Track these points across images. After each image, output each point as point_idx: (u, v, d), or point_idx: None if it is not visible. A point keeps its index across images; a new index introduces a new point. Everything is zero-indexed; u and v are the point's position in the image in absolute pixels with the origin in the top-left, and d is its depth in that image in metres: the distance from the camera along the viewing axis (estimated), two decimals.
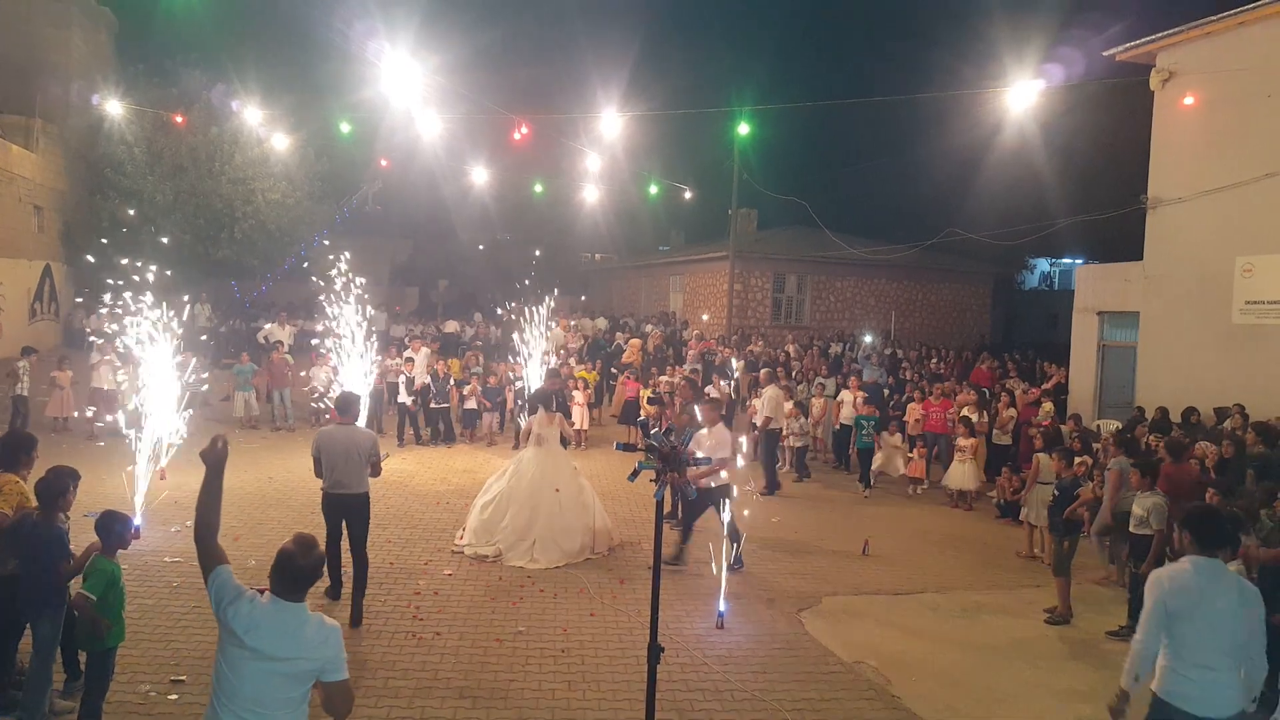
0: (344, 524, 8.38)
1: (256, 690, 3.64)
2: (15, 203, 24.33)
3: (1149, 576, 5.14)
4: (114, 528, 5.79)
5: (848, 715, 6.86)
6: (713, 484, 9.51)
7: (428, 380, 16.76)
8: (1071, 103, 21.10)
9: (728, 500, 9.22)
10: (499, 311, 27.79)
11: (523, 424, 13.66)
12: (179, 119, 24.45)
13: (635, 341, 23.18)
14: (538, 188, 31.87)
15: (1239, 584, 4.77)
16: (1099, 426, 15.75)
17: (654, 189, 29.77)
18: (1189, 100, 15.90)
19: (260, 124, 24.56)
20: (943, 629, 8.77)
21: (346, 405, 8.56)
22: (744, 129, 21.61)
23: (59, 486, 5.95)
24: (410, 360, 17.32)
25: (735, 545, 9.60)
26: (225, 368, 19.57)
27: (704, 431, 9.85)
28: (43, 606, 5.77)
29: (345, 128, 22.15)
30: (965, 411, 14.11)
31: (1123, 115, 21.97)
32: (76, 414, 15.80)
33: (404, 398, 16.66)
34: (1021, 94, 15.40)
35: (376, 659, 7.35)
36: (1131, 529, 9.22)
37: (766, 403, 14.35)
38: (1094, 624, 9.11)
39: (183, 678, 6.75)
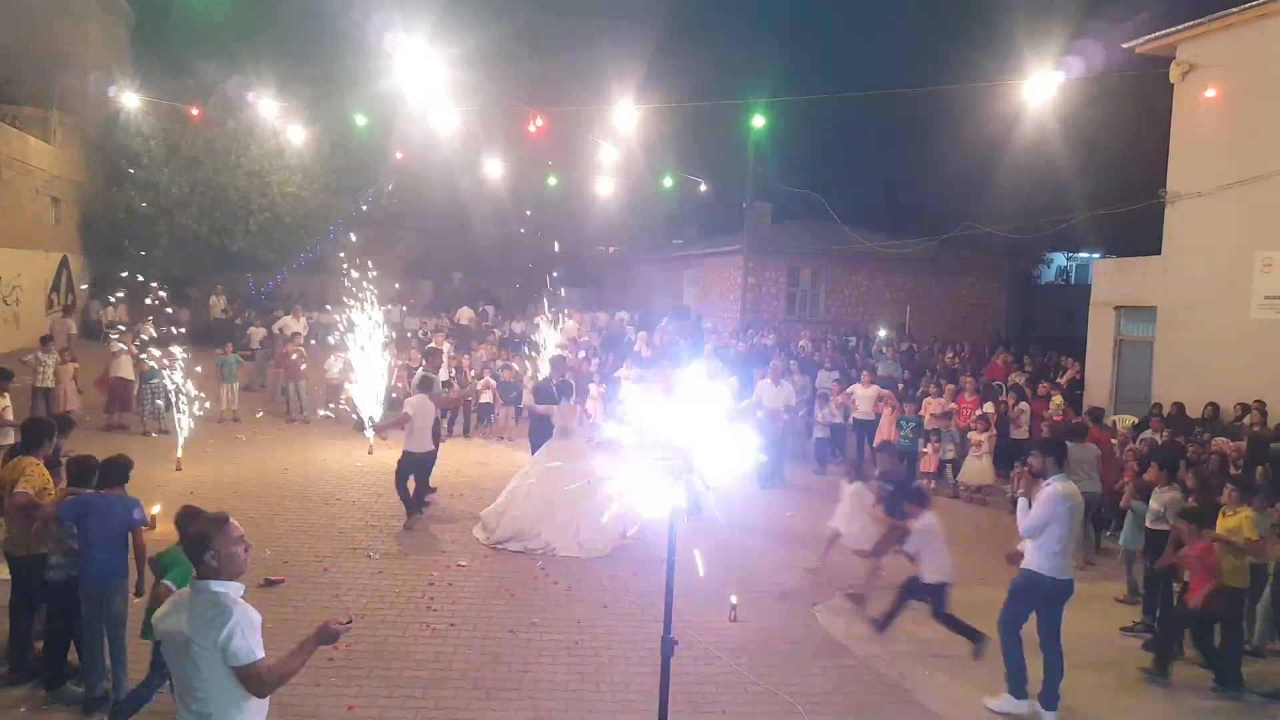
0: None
1: (182, 676, 3.71)
2: (33, 194, 24.52)
3: (1052, 491, 6.81)
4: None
5: (860, 708, 6.85)
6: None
7: (452, 375, 16.83)
8: (1090, 95, 20.89)
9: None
10: (500, 304, 27.85)
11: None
12: (195, 111, 24.55)
13: (643, 334, 23.19)
14: (551, 180, 31.86)
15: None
16: (1115, 421, 15.64)
17: (668, 182, 29.69)
18: (1209, 93, 15.71)
19: (276, 116, 24.64)
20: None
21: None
22: (759, 121, 21.50)
23: (102, 465, 6.35)
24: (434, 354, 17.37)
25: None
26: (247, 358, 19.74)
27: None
28: (120, 580, 6.11)
29: (360, 120, 22.19)
30: (985, 407, 14.03)
31: (1142, 108, 21.72)
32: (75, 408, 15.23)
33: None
34: (1040, 87, 15.26)
35: (391, 649, 7.39)
36: (1149, 524, 9.17)
37: (760, 391, 14.43)
38: (1108, 620, 9.09)
39: None
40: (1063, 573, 6.88)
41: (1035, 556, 6.94)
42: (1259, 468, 10.54)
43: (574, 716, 6.36)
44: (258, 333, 22.23)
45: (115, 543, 6.16)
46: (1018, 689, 6.98)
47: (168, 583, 5.83)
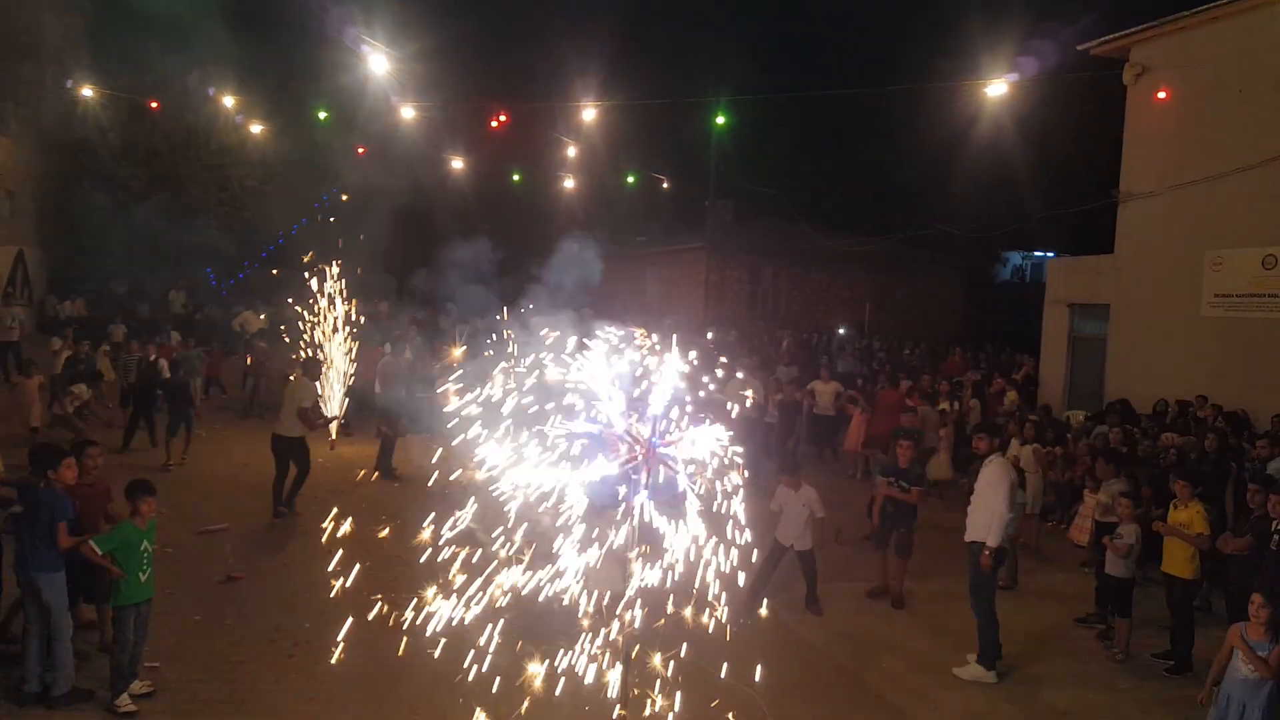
0: None
1: None
2: None
3: (996, 464, 7.72)
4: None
5: (814, 698, 6.98)
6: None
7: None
8: (1044, 96, 21.27)
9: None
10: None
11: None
12: (153, 104, 24.14)
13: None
14: (515, 177, 31.75)
15: None
16: (1068, 417, 15.99)
17: (631, 178, 29.74)
18: (1161, 95, 16.09)
19: (236, 111, 24.31)
20: (915, 615, 8.92)
21: None
22: (720, 120, 21.64)
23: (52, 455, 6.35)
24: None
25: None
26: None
27: None
28: (39, 568, 6.05)
29: (322, 115, 21.99)
30: (940, 404, 14.26)
31: (1095, 109, 22.19)
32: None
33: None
34: (994, 87, 15.52)
35: (353, 646, 7.37)
36: (1098, 518, 9.42)
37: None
38: (1061, 612, 9.32)
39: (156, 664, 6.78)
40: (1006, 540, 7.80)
41: (986, 527, 7.57)
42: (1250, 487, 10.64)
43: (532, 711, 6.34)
44: (118, 330, 20.66)
45: (46, 536, 6.08)
46: (989, 659, 7.50)
47: (91, 542, 6.08)
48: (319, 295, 14.61)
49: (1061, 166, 24.86)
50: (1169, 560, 8.04)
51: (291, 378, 11.51)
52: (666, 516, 4.67)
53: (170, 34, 27.22)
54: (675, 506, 4.70)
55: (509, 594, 4.80)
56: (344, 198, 28.69)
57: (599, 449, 4.72)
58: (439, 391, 16.13)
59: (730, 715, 6.14)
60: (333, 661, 6.94)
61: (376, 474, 13.08)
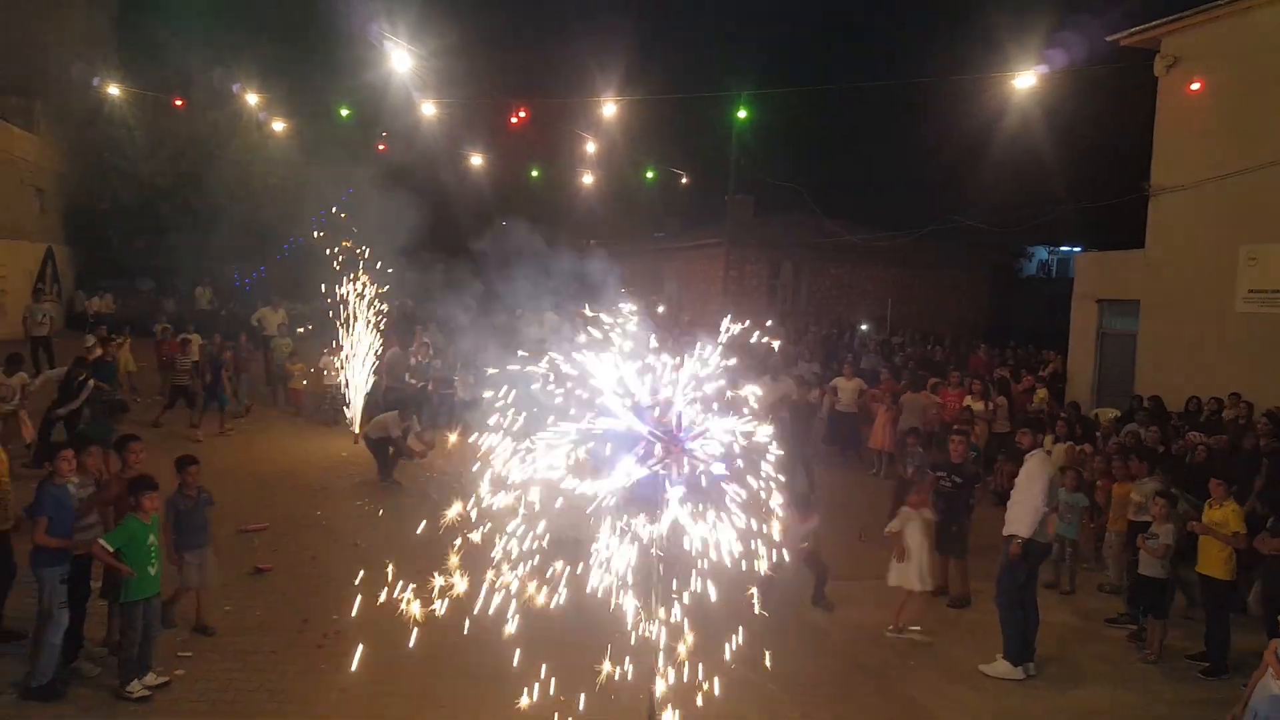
0: None
1: None
2: (17, 185, 24.26)
3: (1036, 459, 7.80)
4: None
5: (841, 695, 6.93)
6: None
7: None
8: (1073, 88, 20.96)
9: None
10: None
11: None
12: (178, 102, 24.33)
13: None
14: (534, 173, 31.74)
15: None
16: (1097, 415, 15.77)
17: (650, 174, 29.64)
18: (1194, 86, 15.77)
19: (259, 108, 24.44)
20: (945, 614, 8.83)
21: None
22: (742, 114, 21.52)
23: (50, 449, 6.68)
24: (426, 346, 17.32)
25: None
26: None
27: None
28: (35, 562, 6.12)
29: (344, 111, 22.07)
30: (968, 401, 14.10)
31: (1125, 101, 21.87)
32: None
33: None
34: (1022, 79, 15.33)
35: (380, 638, 7.38)
36: (1131, 517, 9.28)
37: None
38: (1091, 612, 9.20)
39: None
40: (1044, 535, 7.74)
41: (1025, 523, 7.55)
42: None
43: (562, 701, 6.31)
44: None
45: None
46: (1016, 655, 7.44)
47: (101, 541, 6.10)
48: (346, 292, 14.71)
49: (1089, 160, 24.54)
50: (1204, 560, 7.92)
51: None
52: (698, 510, 4.63)
53: (195, 32, 27.44)
54: (706, 500, 4.66)
55: (544, 589, 4.78)
56: (381, 147, 28.69)
57: (627, 449, 4.68)
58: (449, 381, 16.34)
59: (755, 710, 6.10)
60: (361, 652, 7.00)
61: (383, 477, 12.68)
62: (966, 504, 9.20)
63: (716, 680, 6.81)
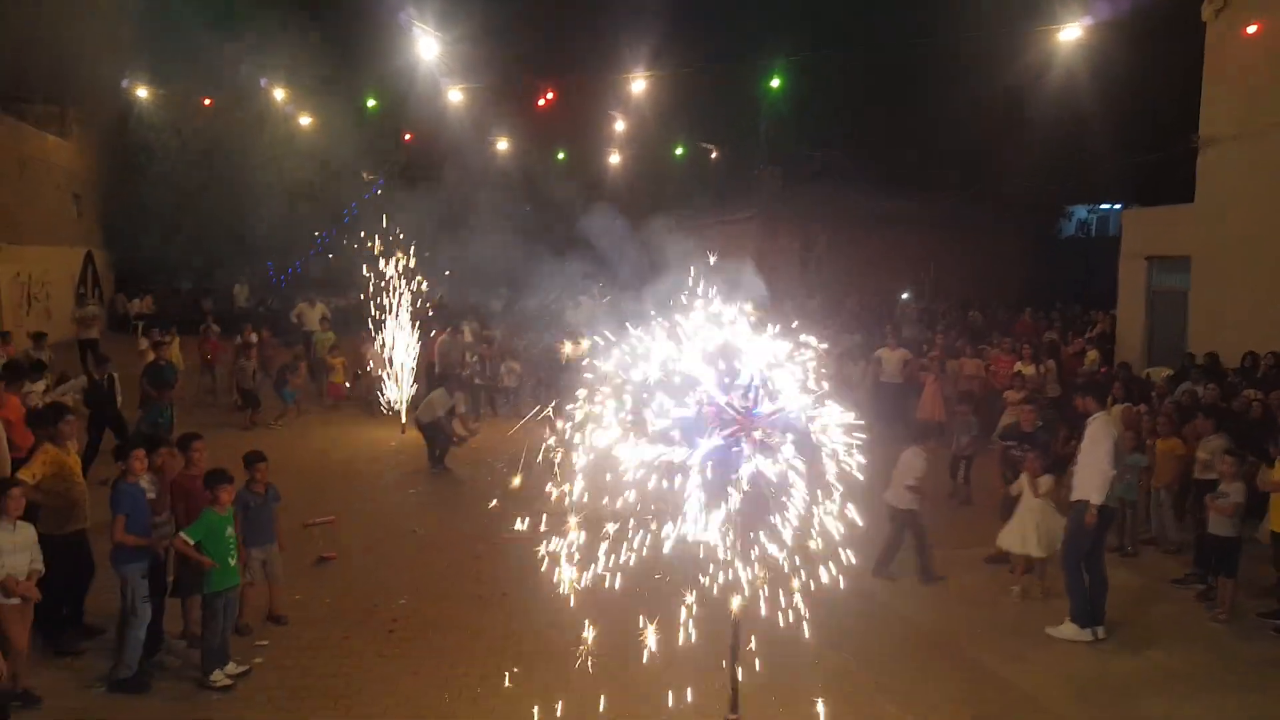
0: None
1: None
2: (54, 190, 24.65)
3: (1099, 422, 7.61)
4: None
5: (911, 664, 6.89)
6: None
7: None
8: (1113, 41, 20.42)
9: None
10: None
11: None
12: (206, 101, 24.52)
13: None
14: (560, 155, 31.62)
15: None
16: (1149, 375, 15.46)
17: (680, 150, 29.39)
18: (1250, 30, 15.19)
19: (285, 103, 24.58)
20: (1006, 581, 8.72)
21: None
22: (775, 82, 21.21)
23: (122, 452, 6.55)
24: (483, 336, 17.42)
25: None
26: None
27: None
28: (115, 560, 6.23)
29: (371, 103, 22.11)
30: (1018, 366, 13.88)
31: (1165, 52, 21.26)
32: None
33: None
34: (1060, 32, 14.92)
35: (447, 621, 7.46)
36: (1197, 475, 9.11)
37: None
38: (1156, 572, 9.07)
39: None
40: (1110, 499, 7.59)
41: (1090, 486, 7.44)
42: None
43: (636, 686, 6.30)
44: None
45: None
46: (1082, 617, 7.41)
47: (183, 534, 6.23)
48: (383, 283, 14.78)
49: (1128, 113, 23.90)
50: (1277, 517, 7.75)
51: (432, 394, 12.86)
52: (773, 486, 4.58)
53: (220, 29, 27.60)
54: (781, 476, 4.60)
55: (620, 567, 4.77)
56: (407, 137, 28.86)
57: (699, 429, 4.62)
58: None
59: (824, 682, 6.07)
60: (433, 637, 7.09)
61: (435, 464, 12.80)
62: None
63: (782, 650, 6.84)
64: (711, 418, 4.58)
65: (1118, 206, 39.19)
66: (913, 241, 30.21)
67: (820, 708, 5.56)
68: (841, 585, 4.81)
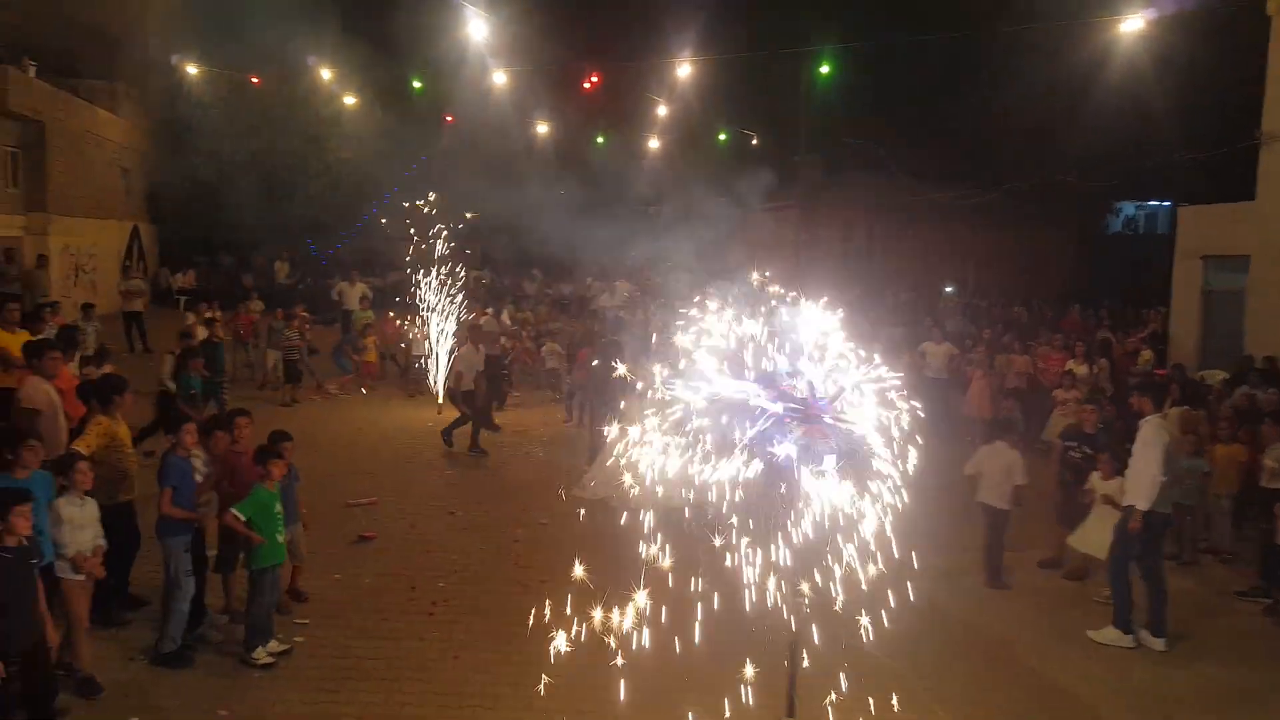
0: None
1: None
2: (105, 165, 24.95)
3: (1151, 425, 7.27)
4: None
5: (964, 671, 6.71)
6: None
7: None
8: (1174, 32, 19.85)
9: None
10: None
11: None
12: (255, 79, 24.61)
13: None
14: (599, 139, 31.42)
15: None
16: (1203, 377, 15.03)
17: (722, 136, 29.07)
18: None
19: (331, 82, 24.62)
20: (1064, 585, 8.49)
21: None
22: (825, 69, 20.88)
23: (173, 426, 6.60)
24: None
25: None
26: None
27: None
28: (160, 532, 6.24)
29: (416, 84, 22.07)
30: (1070, 364, 13.53)
31: (1225, 47, 20.64)
32: None
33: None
34: (1120, 22, 14.48)
35: (488, 604, 7.39)
36: (1264, 484, 8.78)
37: None
38: (1221, 583, 8.80)
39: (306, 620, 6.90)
40: (1166, 505, 7.30)
41: (1143, 494, 7.19)
42: None
43: (684, 678, 6.14)
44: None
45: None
46: (1125, 623, 7.24)
47: (234, 510, 6.18)
48: (427, 265, 14.79)
49: (1186, 109, 23.26)
50: None
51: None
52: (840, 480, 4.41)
53: (270, 7, 27.70)
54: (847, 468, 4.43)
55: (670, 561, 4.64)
56: (449, 119, 28.94)
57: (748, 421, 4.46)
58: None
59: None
60: (474, 621, 7.01)
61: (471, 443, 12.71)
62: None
63: (842, 656, 6.67)
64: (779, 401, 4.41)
65: (1166, 204, 38.34)
66: (954, 234, 29.71)
67: (873, 714, 5.39)
68: (912, 596, 4.62)
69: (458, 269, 15.15)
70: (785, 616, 4.61)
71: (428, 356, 15.48)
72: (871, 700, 5.45)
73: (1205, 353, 16.88)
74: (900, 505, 4.56)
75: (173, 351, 11.58)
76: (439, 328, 14.99)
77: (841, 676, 5.30)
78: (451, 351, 15.21)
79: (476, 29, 16.02)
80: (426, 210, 14.97)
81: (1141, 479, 7.23)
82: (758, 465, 4.30)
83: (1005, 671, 6.78)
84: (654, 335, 16.60)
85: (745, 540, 4.42)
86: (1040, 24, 20.64)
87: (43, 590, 5.16)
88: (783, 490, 4.37)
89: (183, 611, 6.17)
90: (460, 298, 15.16)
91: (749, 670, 4.57)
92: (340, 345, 16.57)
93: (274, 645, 6.30)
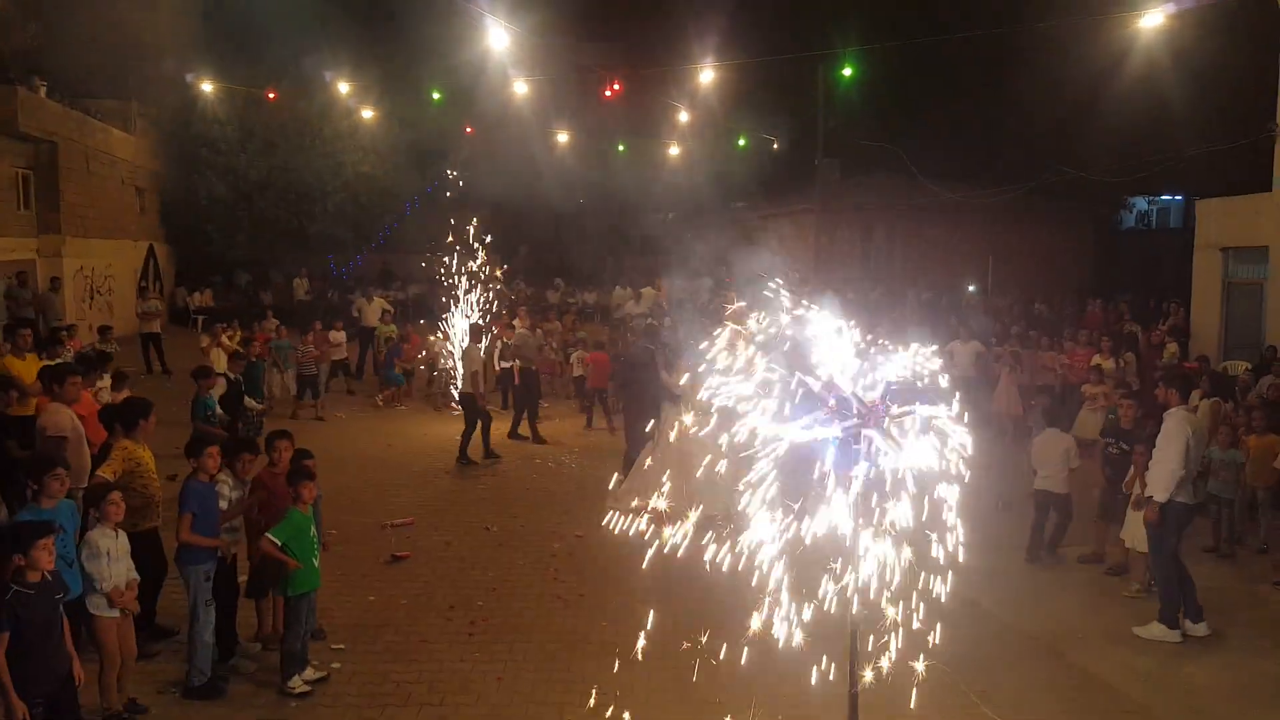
0: None
1: None
2: (119, 185, 25.09)
3: (1175, 417, 7.28)
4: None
5: (1009, 667, 6.66)
6: None
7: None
8: (1186, 27, 19.71)
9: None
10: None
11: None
12: (270, 95, 24.70)
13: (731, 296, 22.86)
14: (620, 147, 31.45)
15: None
16: (1226, 368, 14.95)
17: (742, 141, 29.07)
18: None
19: (348, 96, 24.69)
20: (1103, 580, 8.43)
21: None
22: (847, 71, 20.92)
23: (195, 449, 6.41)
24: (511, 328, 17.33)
25: None
26: None
27: None
28: (180, 559, 6.13)
29: (435, 95, 22.16)
30: (1096, 359, 13.45)
31: (1236, 39, 20.52)
32: None
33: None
34: (1134, 18, 14.39)
35: (528, 621, 7.37)
36: None
37: None
38: (1257, 574, 8.72)
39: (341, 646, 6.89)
40: (1192, 497, 7.42)
41: (1160, 485, 7.26)
42: None
43: (729, 688, 6.10)
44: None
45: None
46: (1171, 619, 7.24)
47: (269, 535, 6.05)
48: (454, 276, 14.85)
49: (1198, 104, 23.14)
50: None
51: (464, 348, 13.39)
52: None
53: (284, 22, 27.81)
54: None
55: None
56: (469, 130, 29.07)
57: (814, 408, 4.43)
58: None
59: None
60: (514, 640, 6.99)
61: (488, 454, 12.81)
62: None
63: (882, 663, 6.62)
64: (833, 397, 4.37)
65: (1178, 198, 38.13)
66: (972, 233, 29.55)
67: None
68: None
69: (494, 281, 15.28)
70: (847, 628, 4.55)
71: (452, 370, 15.51)
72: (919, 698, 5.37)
73: (1226, 344, 16.84)
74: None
75: (225, 375, 11.58)
76: (462, 342, 15.01)
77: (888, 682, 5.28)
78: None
79: (498, 39, 16.04)
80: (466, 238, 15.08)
81: (1161, 471, 7.29)
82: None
83: (1053, 670, 6.74)
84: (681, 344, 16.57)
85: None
86: (1052, 22, 20.59)
87: (68, 627, 4.94)
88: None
89: (207, 643, 6.04)
90: (494, 308, 15.27)
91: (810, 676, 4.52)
92: (388, 357, 16.96)
93: (310, 673, 6.20)
